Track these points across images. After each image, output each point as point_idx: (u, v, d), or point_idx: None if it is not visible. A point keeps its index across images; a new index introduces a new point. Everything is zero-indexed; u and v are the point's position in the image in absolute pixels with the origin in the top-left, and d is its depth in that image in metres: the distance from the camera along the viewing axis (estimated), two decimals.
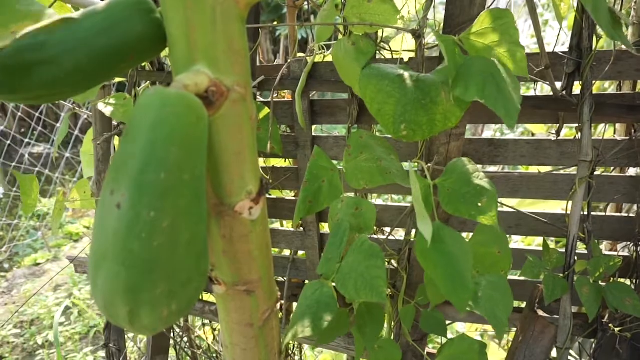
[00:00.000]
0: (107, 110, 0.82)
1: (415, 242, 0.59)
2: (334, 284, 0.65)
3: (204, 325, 1.54)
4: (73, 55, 0.37)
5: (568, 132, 2.14)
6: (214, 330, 1.51)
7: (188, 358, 1.50)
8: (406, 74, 0.59)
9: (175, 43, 0.37)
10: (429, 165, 0.74)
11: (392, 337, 0.94)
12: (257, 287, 0.50)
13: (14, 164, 4.03)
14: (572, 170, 0.87)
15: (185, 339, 1.45)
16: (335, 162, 0.79)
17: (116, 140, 1.04)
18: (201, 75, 0.37)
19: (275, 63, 1.04)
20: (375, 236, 1.05)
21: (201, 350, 1.50)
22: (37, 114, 4.26)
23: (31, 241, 4.05)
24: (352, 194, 0.97)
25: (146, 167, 0.32)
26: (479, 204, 0.56)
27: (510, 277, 0.94)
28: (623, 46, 0.82)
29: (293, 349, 1.35)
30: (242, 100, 0.40)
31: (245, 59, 0.40)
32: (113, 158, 0.35)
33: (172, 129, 0.33)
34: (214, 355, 1.50)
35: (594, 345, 0.87)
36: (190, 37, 0.37)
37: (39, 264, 3.79)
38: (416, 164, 0.80)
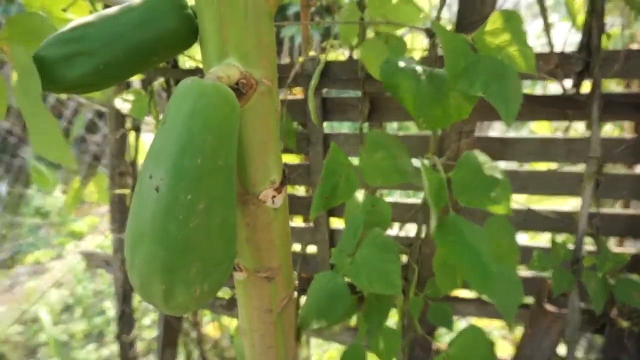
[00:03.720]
0: (125, 107, 0.84)
1: (435, 236, 0.61)
2: (346, 278, 0.67)
3: (212, 320, 1.56)
4: (112, 48, 0.39)
5: (573, 133, 2.14)
6: (222, 326, 1.53)
7: (196, 351, 1.52)
8: (419, 69, 0.61)
9: (208, 37, 0.39)
10: (441, 159, 0.76)
11: (402, 331, 0.95)
12: (277, 274, 0.52)
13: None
14: (580, 168, 0.88)
15: (194, 334, 1.47)
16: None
17: (131, 136, 1.06)
18: (232, 68, 0.39)
19: (281, 63, 1.06)
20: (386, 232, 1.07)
21: (209, 345, 1.52)
22: None
23: (34, 239, 4.06)
24: (362, 191, 0.99)
25: (184, 153, 0.34)
26: (492, 194, 0.58)
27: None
28: (631, 45, 0.84)
29: (301, 344, 1.36)
30: (269, 93, 0.42)
31: (273, 53, 0.42)
32: (150, 145, 0.36)
33: (208, 117, 0.35)
34: (221, 350, 1.52)
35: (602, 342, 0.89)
36: (223, 32, 0.38)
37: (41, 262, 3.80)
38: (427, 159, 0.82)
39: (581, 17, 0.78)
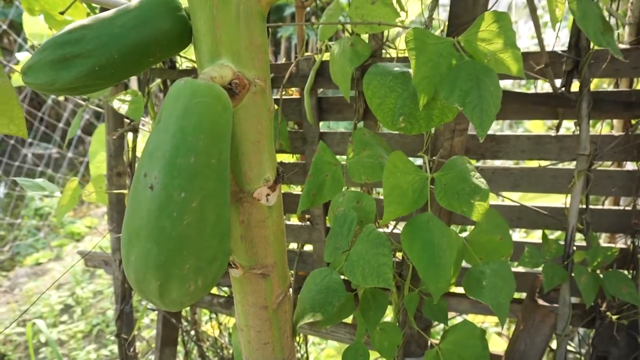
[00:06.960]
0: (122, 109, 0.85)
1: (402, 230, 0.62)
2: (342, 275, 0.68)
3: (210, 319, 1.57)
4: (107, 49, 0.40)
5: (565, 131, 2.16)
6: (220, 324, 1.54)
7: (195, 350, 1.53)
8: (410, 71, 0.62)
9: (201, 38, 0.40)
10: (433, 158, 0.77)
11: (397, 327, 0.96)
12: (272, 271, 0.53)
13: (17, 163, 4.06)
14: (572, 165, 0.90)
15: (193, 332, 1.47)
16: (343, 157, 0.82)
17: (129, 137, 1.07)
18: (225, 68, 0.40)
19: (277, 63, 1.07)
20: (380, 229, 1.08)
21: (208, 343, 1.53)
22: (39, 114, 4.29)
23: (33, 241, 4.06)
24: (357, 189, 1.00)
25: (177, 152, 0.34)
26: (472, 201, 0.60)
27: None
28: (620, 44, 0.85)
29: (298, 342, 1.37)
30: (262, 93, 0.43)
31: (265, 54, 0.43)
32: (145, 144, 0.37)
33: (201, 117, 0.36)
34: (219, 348, 1.53)
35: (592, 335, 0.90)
36: (216, 33, 0.39)
37: (40, 264, 3.80)
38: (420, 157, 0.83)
39: (571, 18, 0.79)
